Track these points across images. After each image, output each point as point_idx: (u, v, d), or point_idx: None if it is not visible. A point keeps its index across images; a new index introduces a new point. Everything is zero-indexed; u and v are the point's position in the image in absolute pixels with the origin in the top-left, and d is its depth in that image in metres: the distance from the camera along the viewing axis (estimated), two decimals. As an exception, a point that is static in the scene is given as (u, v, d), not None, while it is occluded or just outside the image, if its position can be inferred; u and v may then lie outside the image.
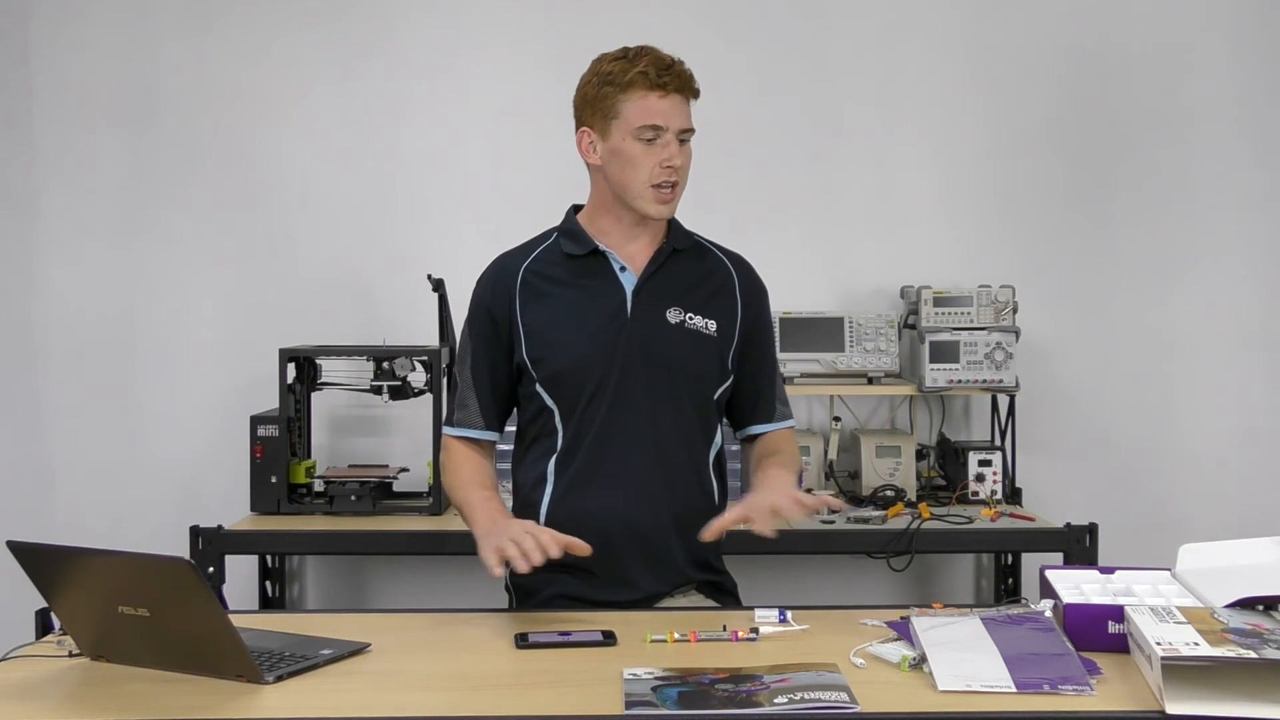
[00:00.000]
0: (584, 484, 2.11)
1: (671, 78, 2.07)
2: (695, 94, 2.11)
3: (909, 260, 3.73)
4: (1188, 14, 3.73)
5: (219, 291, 3.73)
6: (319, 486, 3.40)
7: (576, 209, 2.23)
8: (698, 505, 2.14)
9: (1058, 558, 3.10)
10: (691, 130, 2.10)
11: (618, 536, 2.09)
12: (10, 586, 2.05)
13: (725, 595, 2.21)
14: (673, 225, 2.20)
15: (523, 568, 1.89)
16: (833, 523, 3.22)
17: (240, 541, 3.18)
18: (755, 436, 2.25)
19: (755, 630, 1.84)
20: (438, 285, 3.42)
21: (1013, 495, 3.52)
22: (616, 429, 2.09)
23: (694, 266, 2.19)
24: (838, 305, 3.72)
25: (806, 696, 1.53)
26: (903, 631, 1.80)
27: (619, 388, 2.09)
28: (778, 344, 2.49)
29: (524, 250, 2.21)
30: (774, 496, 1.97)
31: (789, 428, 2.26)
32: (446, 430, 2.24)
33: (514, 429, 2.25)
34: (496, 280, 2.19)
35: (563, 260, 2.17)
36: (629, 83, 2.07)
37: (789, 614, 1.90)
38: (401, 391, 3.38)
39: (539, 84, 3.68)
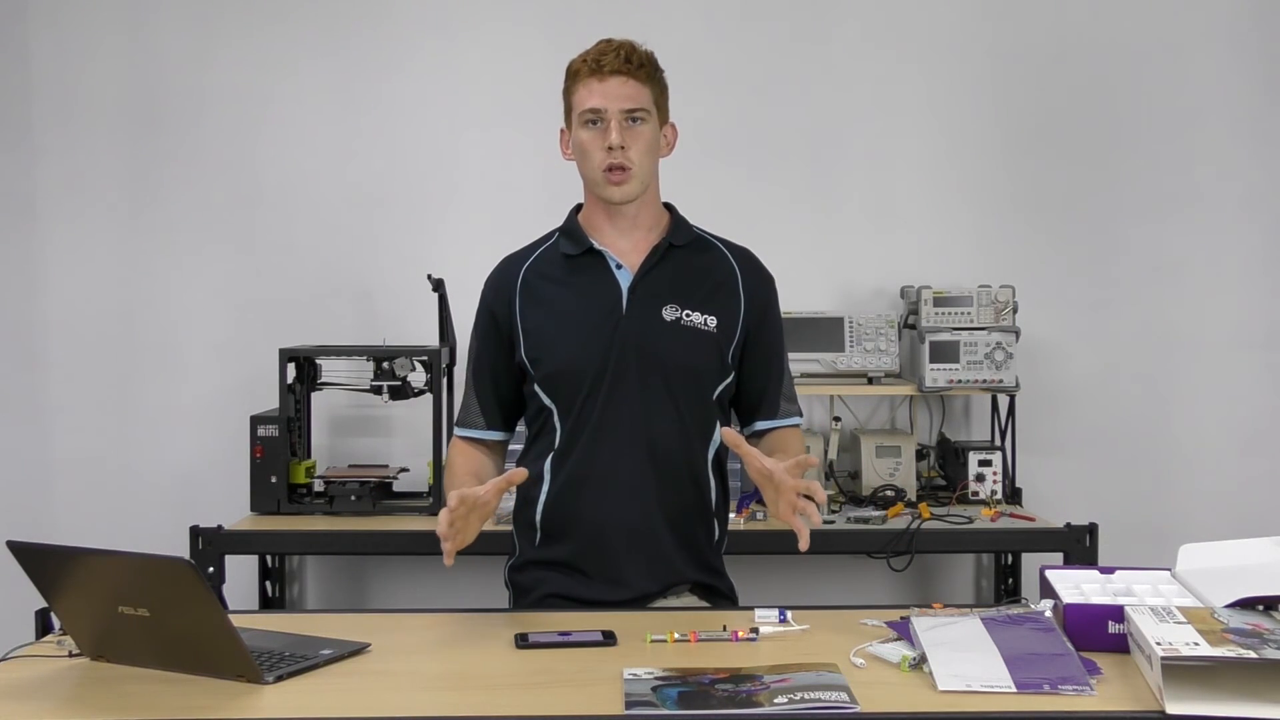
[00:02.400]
0: (578, 482, 2.11)
1: (610, 59, 2.07)
2: (647, 74, 2.10)
3: (909, 260, 3.73)
4: (1188, 14, 3.73)
5: (219, 291, 3.73)
6: (319, 486, 3.40)
7: (578, 208, 2.23)
8: (692, 504, 2.14)
9: (1058, 558, 3.10)
10: (641, 109, 2.08)
11: (610, 535, 2.09)
12: (10, 586, 2.05)
13: (720, 598, 2.20)
14: (674, 221, 2.20)
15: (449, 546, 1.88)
16: (833, 523, 3.22)
17: (240, 541, 3.18)
18: (760, 433, 2.24)
19: (755, 630, 1.83)
20: (438, 285, 3.42)
21: (1013, 495, 3.52)
22: (610, 427, 2.09)
23: (694, 262, 2.18)
24: (838, 305, 3.72)
25: (806, 696, 1.53)
26: (903, 631, 1.80)
27: (613, 386, 2.09)
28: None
29: (526, 251, 2.22)
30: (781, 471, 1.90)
31: (795, 425, 2.24)
32: (455, 431, 2.25)
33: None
34: (498, 282, 2.20)
35: (561, 260, 2.17)
36: (575, 73, 2.12)
37: (789, 614, 1.90)
38: (401, 391, 3.38)
39: (539, 84, 3.65)
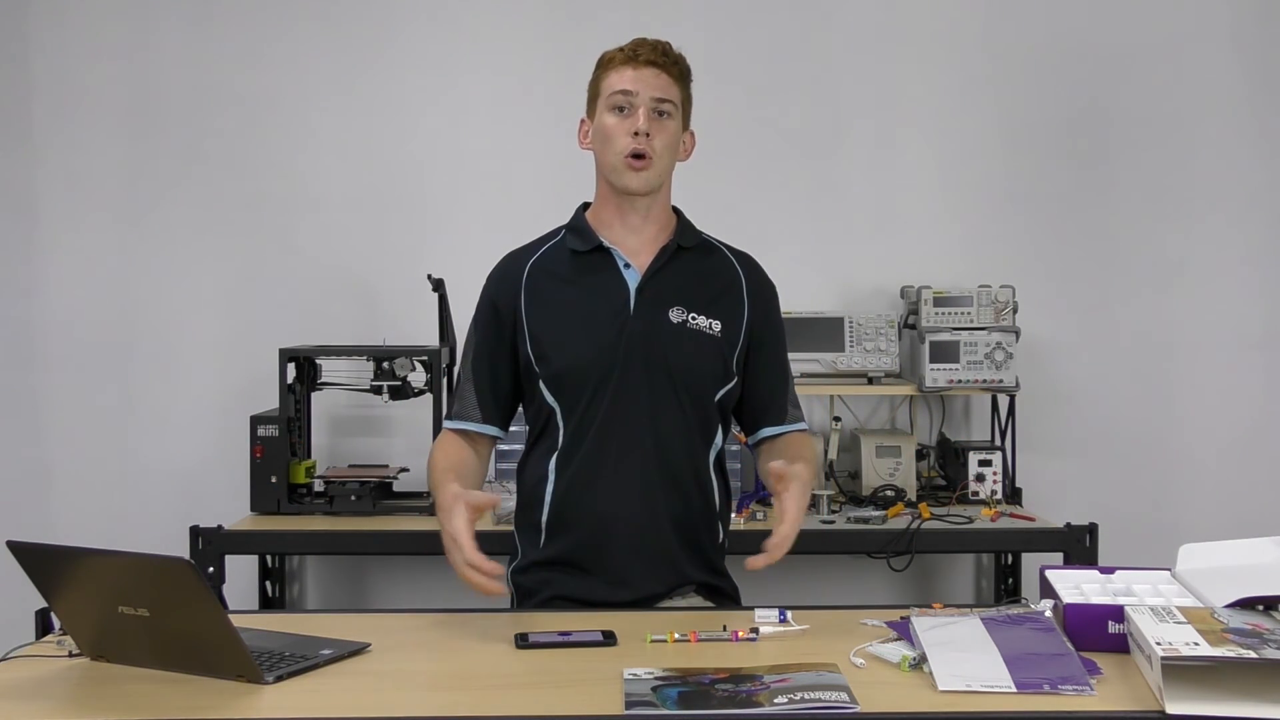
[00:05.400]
0: (583, 483, 2.10)
1: (646, 51, 2.10)
2: (679, 71, 2.12)
3: (909, 260, 3.73)
4: (1188, 14, 3.73)
5: (219, 291, 3.73)
6: (319, 486, 3.40)
7: (585, 206, 2.23)
8: (697, 505, 2.14)
9: (1058, 558, 3.10)
10: (670, 102, 2.10)
11: (616, 535, 2.09)
12: (10, 586, 2.05)
13: (725, 599, 2.20)
14: (680, 222, 2.20)
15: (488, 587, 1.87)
16: (833, 523, 3.23)
17: (240, 541, 3.18)
18: (767, 439, 2.23)
19: (755, 630, 1.83)
20: (438, 285, 3.42)
21: (1013, 495, 3.52)
22: (616, 428, 2.09)
23: (700, 265, 2.18)
24: (838, 305, 3.72)
25: (806, 696, 1.52)
26: (903, 631, 1.80)
27: (619, 387, 2.09)
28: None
29: (532, 247, 2.22)
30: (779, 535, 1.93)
31: (802, 430, 2.24)
32: (445, 424, 2.24)
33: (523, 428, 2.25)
34: (504, 277, 2.19)
35: (568, 257, 2.16)
36: (609, 60, 2.13)
37: (789, 614, 1.89)
38: (401, 391, 3.38)
39: (539, 83, 3.69)
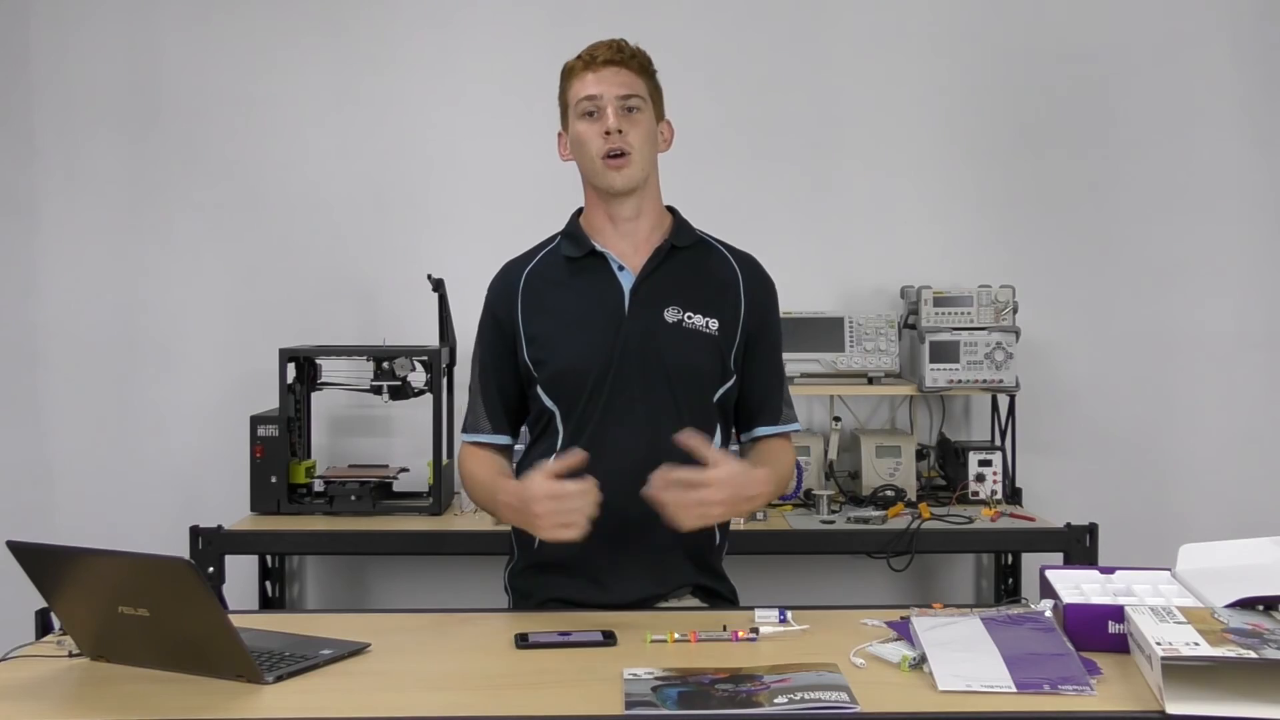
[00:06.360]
0: None
1: (603, 51, 2.11)
2: (639, 65, 2.12)
3: (909, 260, 3.73)
4: (1188, 14, 3.73)
5: (219, 291, 3.73)
6: (319, 486, 3.40)
7: (579, 212, 2.23)
8: None
9: (1058, 558, 3.10)
10: (636, 96, 2.10)
11: (612, 537, 2.08)
12: (10, 586, 2.05)
13: (722, 601, 2.19)
14: (676, 222, 2.20)
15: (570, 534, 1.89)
16: (833, 523, 3.23)
17: (240, 541, 3.19)
18: (759, 439, 2.23)
19: (755, 630, 1.83)
20: (438, 285, 3.42)
21: (1013, 495, 3.52)
22: (611, 429, 2.09)
23: (697, 264, 2.18)
24: (838, 305, 3.72)
25: (806, 696, 1.52)
26: (903, 631, 1.80)
27: (615, 387, 2.09)
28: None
29: (528, 256, 2.22)
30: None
31: (794, 431, 2.24)
32: (460, 437, 2.26)
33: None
34: (502, 287, 2.20)
35: (563, 263, 2.17)
36: (569, 70, 2.15)
37: (789, 614, 1.89)
38: (401, 391, 3.39)
39: (539, 83, 3.66)
